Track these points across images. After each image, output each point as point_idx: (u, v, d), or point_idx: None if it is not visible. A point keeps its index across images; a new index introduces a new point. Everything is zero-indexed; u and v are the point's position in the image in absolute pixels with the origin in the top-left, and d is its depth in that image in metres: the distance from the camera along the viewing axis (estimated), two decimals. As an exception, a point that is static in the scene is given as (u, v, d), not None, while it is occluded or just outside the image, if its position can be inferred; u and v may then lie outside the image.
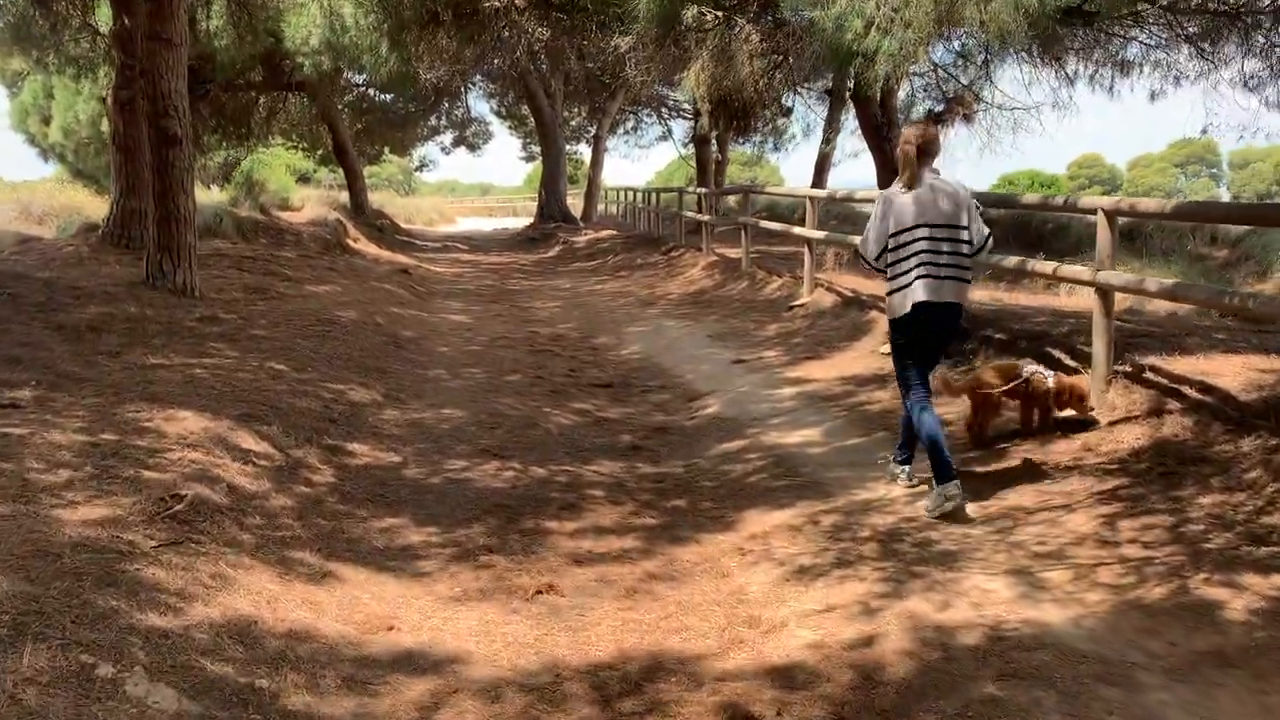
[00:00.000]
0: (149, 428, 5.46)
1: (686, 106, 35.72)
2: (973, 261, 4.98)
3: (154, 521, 4.24)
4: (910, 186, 4.92)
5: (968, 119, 12.69)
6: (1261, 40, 13.68)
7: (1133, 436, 5.37)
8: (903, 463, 5.39)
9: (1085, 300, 9.19)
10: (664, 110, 36.10)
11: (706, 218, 15.95)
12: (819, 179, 21.02)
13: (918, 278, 4.90)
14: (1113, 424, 5.57)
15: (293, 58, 20.23)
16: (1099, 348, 5.85)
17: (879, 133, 15.05)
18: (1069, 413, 5.63)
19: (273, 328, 9.37)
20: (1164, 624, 3.61)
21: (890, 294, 5.07)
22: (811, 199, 10.67)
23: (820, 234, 10.50)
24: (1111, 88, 14.77)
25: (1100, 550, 4.27)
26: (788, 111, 18.81)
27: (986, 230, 5.04)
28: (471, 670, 3.61)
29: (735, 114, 15.34)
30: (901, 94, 15.89)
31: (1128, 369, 5.92)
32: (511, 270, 19.80)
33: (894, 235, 4.95)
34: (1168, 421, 5.32)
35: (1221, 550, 4.07)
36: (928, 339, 5.09)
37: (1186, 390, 5.46)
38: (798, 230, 11.36)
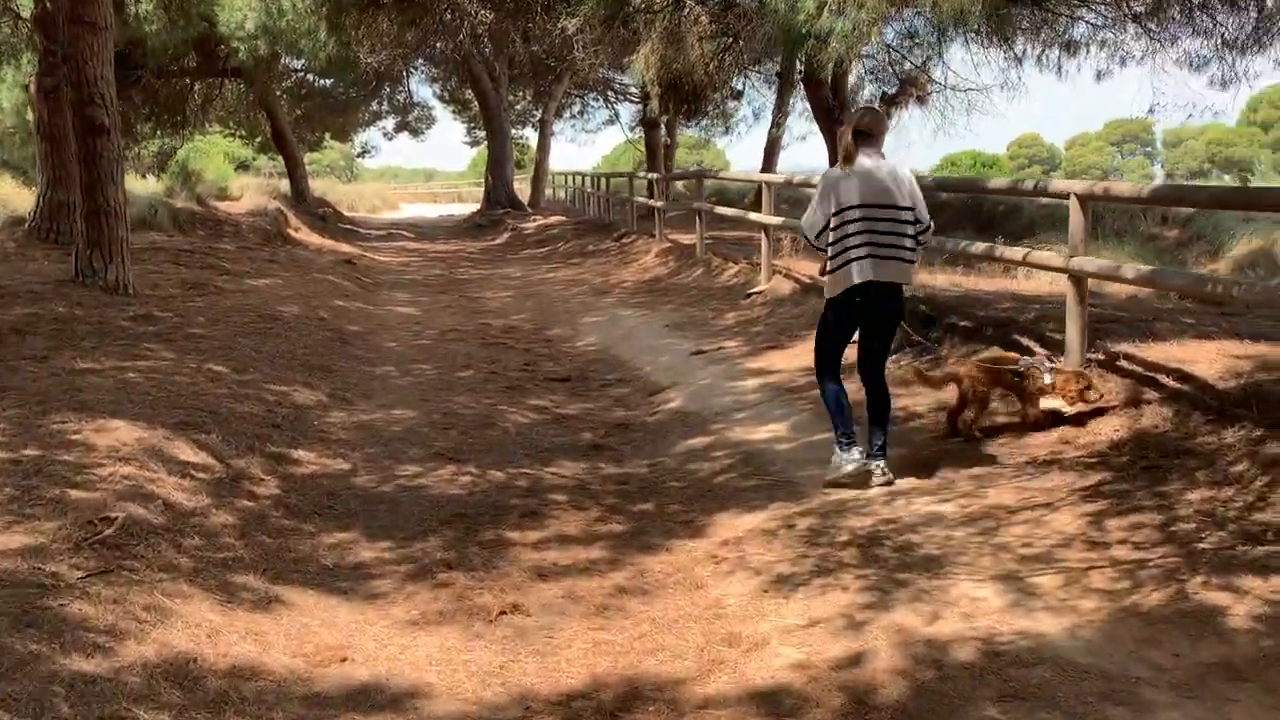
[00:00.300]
0: (77, 440, 5.09)
1: (634, 90, 35.38)
2: (921, 240, 5.03)
3: (81, 548, 3.90)
4: (849, 165, 4.96)
5: (921, 100, 12.57)
6: (1206, 20, 13.73)
7: (1111, 428, 5.22)
8: (847, 447, 5.14)
9: (1046, 285, 9.10)
10: (611, 94, 35.72)
11: (659, 203, 15.67)
12: (769, 163, 20.84)
13: (858, 258, 4.91)
14: (1092, 415, 5.42)
15: (227, 43, 19.60)
16: (1073, 335, 5.69)
17: (830, 115, 14.89)
18: (1079, 407, 5.35)
19: (211, 325, 8.96)
20: (1165, 633, 3.44)
21: (829, 273, 5.10)
22: (767, 184, 10.44)
23: (777, 219, 10.28)
24: (1059, 68, 14.67)
25: (1090, 552, 4.09)
26: (738, 94, 18.59)
27: (928, 216, 5.06)
28: (433, 705, 3.34)
29: (685, 97, 15.08)
30: (853, 76, 15.76)
31: (1101, 357, 5.78)
32: (459, 259, 19.39)
33: (835, 215, 4.95)
34: (1146, 412, 5.18)
35: (1216, 550, 3.92)
36: (867, 321, 5.11)
37: (1163, 379, 5.32)
38: (754, 216, 11.14)
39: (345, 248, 19.23)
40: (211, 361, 7.51)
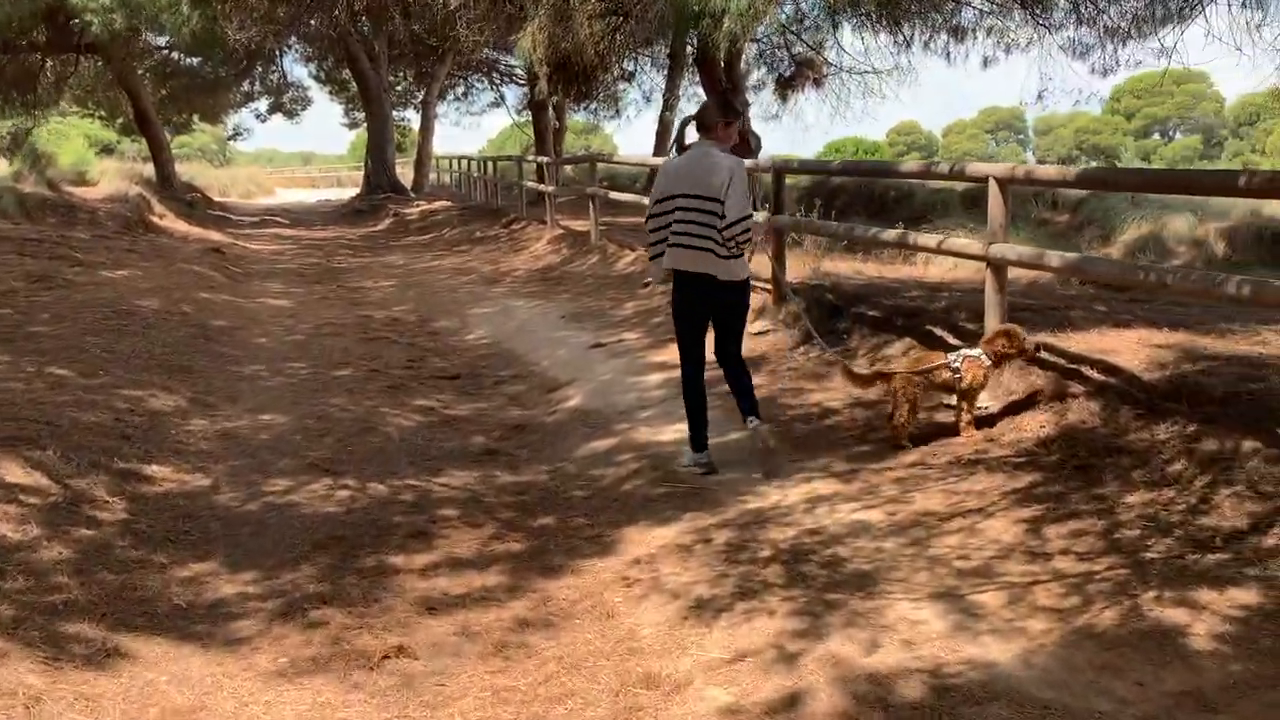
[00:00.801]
0: (-124, 464, 4.35)
1: (520, 71, 34.59)
2: (724, 236, 4.88)
3: None
4: (680, 153, 5.11)
5: (818, 83, 12.31)
6: (1090, 8, 13.85)
7: (1037, 424, 4.96)
8: (697, 449, 5.23)
9: (949, 272, 8.91)
10: (496, 75, 34.86)
11: (549, 188, 15.07)
12: (661, 147, 20.44)
13: (670, 245, 5.03)
14: (1014, 409, 5.16)
15: (80, 15, 18.21)
16: (992, 325, 5.42)
17: (722, 97, 14.56)
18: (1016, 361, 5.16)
19: (57, 323, 8.12)
20: (1125, 658, 3.14)
21: (652, 259, 5.27)
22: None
23: None
24: (948, 54, 14.66)
25: (1031, 564, 3.79)
26: (629, 76, 18.11)
27: (749, 211, 4.95)
28: (303, 783, 2.81)
29: (575, 78, 14.52)
30: (746, 59, 15.46)
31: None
32: (338, 246, 18.48)
33: (657, 202, 5.09)
34: (1073, 406, 4.93)
35: (1165, 560, 3.65)
36: (698, 310, 5.15)
37: (1087, 370, 5.09)
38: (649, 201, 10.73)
39: (214, 235, 18.12)
40: (54, 364, 6.73)
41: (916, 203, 14.86)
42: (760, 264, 7.58)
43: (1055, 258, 5.10)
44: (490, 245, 16.29)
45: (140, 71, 27.39)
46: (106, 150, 41.36)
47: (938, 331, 6.34)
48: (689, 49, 14.83)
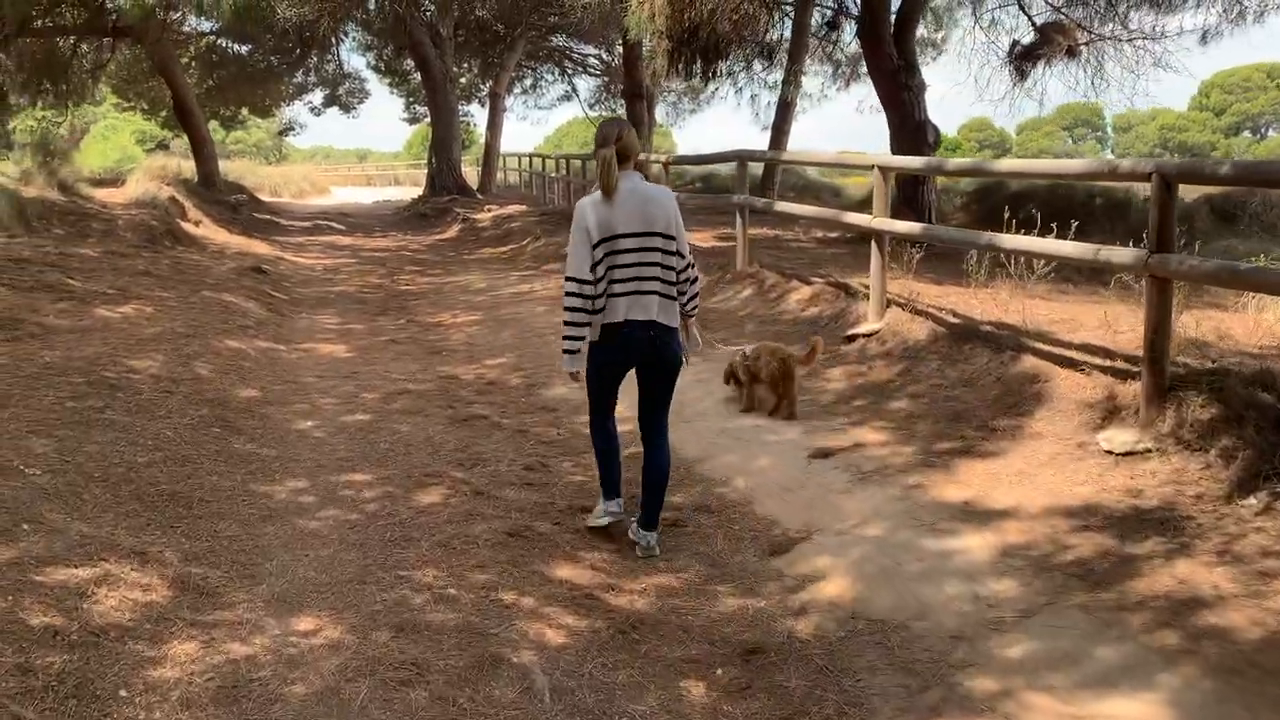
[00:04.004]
0: None
1: (595, 61, 31.78)
2: (681, 279, 4.37)
3: None
4: (610, 193, 4.25)
5: (1072, 53, 9.19)
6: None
7: None
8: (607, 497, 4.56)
9: None
10: (568, 65, 32.05)
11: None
12: (779, 139, 17.29)
13: (621, 294, 4.30)
14: None
15: (105, -14, 15.60)
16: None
17: (895, 79, 11.52)
18: None
19: (2, 403, 5.32)
20: None
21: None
22: (882, 169, 6.91)
23: (903, 225, 6.78)
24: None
25: None
26: (769, 50, 14.98)
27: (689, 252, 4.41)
28: None
29: (702, 53, 11.57)
30: (924, 25, 12.40)
31: None
32: (403, 260, 15.67)
33: (596, 247, 4.26)
34: None
35: None
36: (625, 369, 4.48)
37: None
38: (853, 217, 7.65)
39: (258, 247, 15.39)
40: (-56, 512, 3.90)
41: (1134, 214, 11.66)
42: (1131, 328, 4.56)
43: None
44: (586, 262, 13.33)
45: (185, 60, 24.94)
46: (161, 146, 39.20)
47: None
48: (848, 15, 11.83)
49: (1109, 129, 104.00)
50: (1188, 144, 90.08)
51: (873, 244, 6.96)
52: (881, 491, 4.63)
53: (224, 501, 4.72)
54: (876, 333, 6.77)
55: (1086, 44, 9.77)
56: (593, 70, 31.74)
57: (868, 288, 7.63)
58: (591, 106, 32.89)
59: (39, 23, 18.74)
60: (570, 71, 32.25)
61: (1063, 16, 9.71)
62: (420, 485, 5.11)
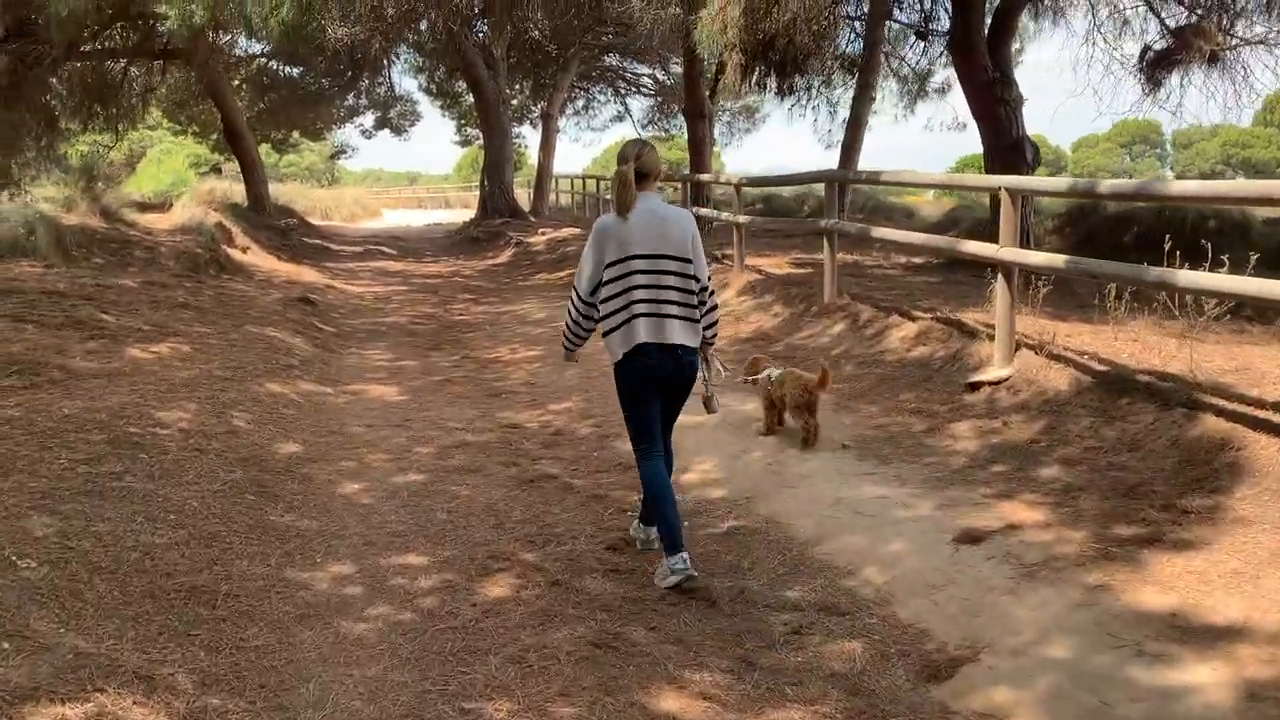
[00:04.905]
0: None
1: (648, 81, 31.12)
2: (701, 300, 4.31)
3: None
4: (626, 211, 4.22)
5: (1214, 59, 8.25)
6: None
7: None
8: (671, 551, 4.15)
9: None
10: (621, 85, 31.42)
11: (742, 218, 11.14)
12: (849, 156, 16.27)
13: (641, 315, 4.20)
14: None
15: (151, 6, 15.14)
16: None
17: (989, 92, 10.61)
18: None
19: (5, 470, 4.61)
20: None
21: (606, 335, 4.32)
22: (1010, 191, 5.97)
23: (1039, 256, 5.82)
24: None
25: None
26: (850, 63, 14.06)
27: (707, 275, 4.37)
28: None
29: (779, 66, 10.74)
30: (1029, 23, 11.46)
31: None
32: (456, 287, 14.98)
33: (610, 266, 4.24)
34: None
35: None
36: (658, 389, 4.33)
37: None
38: (973, 246, 6.74)
39: (307, 274, 14.79)
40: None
41: (1255, 237, 10.58)
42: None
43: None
44: (649, 290, 12.53)
45: (236, 82, 24.64)
46: (214, 170, 39.13)
47: None
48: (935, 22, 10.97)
49: (1168, 146, 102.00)
50: (1251, 161, 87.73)
51: (998, 278, 6.05)
52: (1057, 593, 3.73)
53: (254, 596, 3.95)
54: (1006, 380, 5.86)
55: (1232, 49, 8.81)
56: (646, 90, 31.06)
57: (984, 325, 6.73)
58: (644, 127, 32.21)
59: (88, 45, 18.39)
60: (624, 91, 31.61)
61: (1197, 18, 8.72)
62: (485, 572, 4.30)
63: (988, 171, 10.57)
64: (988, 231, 11.00)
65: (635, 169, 4.23)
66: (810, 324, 8.51)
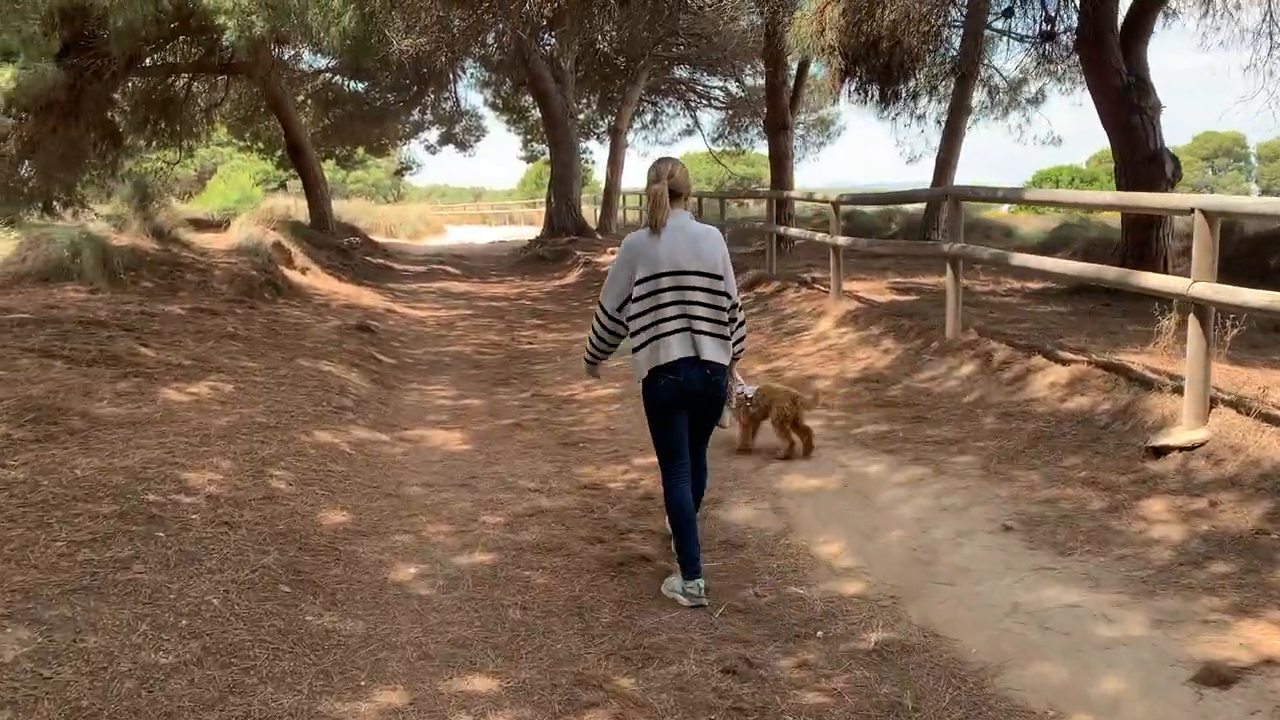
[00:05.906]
0: None
1: (719, 94, 30.18)
2: (730, 317, 4.31)
3: None
4: (658, 228, 4.22)
5: None
6: None
7: None
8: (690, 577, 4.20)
9: None
10: (691, 98, 30.53)
11: (841, 239, 10.03)
12: (944, 172, 15.04)
13: (671, 331, 4.20)
14: None
15: (211, 18, 14.57)
16: None
17: (1123, 99, 9.46)
18: None
19: (-13, 560, 3.78)
20: None
21: (635, 350, 4.30)
22: (1207, 213, 4.86)
23: (1254, 295, 4.64)
24: None
25: None
26: (954, 69, 12.97)
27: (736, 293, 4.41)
28: None
29: (884, 72, 9.71)
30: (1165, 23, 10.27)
31: None
32: (523, 311, 14.13)
33: (640, 283, 4.24)
34: None
35: None
36: (688, 408, 4.30)
37: None
38: (1154, 280, 5.61)
39: (367, 297, 14.06)
40: None
41: None
42: None
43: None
44: (732, 317, 11.54)
45: (301, 98, 24.22)
46: (281, 186, 38.99)
47: None
48: (1063, 20, 9.84)
49: (1253, 159, 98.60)
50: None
51: (1190, 319, 4.95)
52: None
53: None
54: (1201, 444, 4.77)
55: None
56: (718, 103, 30.12)
57: (1155, 371, 5.63)
58: (715, 140, 31.29)
59: (149, 59, 17.97)
60: (694, 105, 30.70)
61: None
62: (571, 707, 3.34)
63: (1120, 188, 9.42)
64: (1119, 255, 9.86)
65: (669, 187, 4.23)
66: (931, 364, 7.44)
